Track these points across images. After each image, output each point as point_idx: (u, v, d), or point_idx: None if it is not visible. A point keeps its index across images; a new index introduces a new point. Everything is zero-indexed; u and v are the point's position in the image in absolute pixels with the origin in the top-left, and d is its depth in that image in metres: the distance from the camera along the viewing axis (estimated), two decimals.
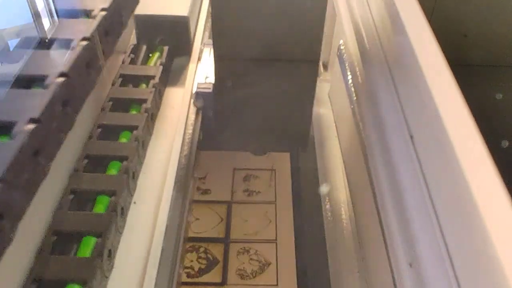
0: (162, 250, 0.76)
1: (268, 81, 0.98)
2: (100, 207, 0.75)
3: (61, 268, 0.65)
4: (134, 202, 0.83)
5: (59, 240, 0.70)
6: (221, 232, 1.02)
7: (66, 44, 0.72)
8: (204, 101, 1.06)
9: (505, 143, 1.16)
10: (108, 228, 0.71)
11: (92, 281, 0.65)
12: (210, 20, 1.23)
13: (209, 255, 0.97)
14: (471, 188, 0.42)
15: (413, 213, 0.59)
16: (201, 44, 1.20)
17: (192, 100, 1.05)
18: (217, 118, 1.06)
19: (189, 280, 0.93)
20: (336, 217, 1.08)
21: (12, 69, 0.67)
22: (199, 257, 0.97)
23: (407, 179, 0.62)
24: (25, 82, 0.65)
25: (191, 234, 1.01)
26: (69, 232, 0.71)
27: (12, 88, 0.63)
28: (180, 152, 0.92)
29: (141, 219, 0.81)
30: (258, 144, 1.13)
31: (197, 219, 1.04)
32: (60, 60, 0.69)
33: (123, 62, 1.05)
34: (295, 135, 1.10)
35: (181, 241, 0.85)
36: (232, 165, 1.16)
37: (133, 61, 1.06)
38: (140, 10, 1.10)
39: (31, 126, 0.55)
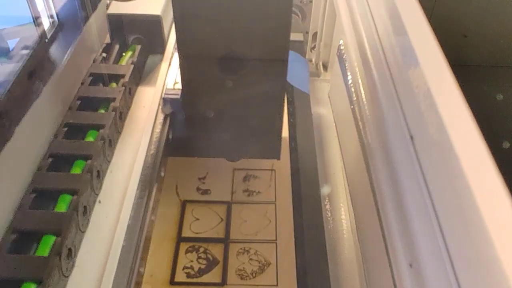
0: (122, 248, 0.76)
1: (237, 81, 0.96)
2: (61, 206, 0.74)
3: (17, 267, 0.65)
4: (99, 201, 0.83)
5: (19, 238, 0.69)
6: (221, 232, 1.02)
7: None
8: (172, 107, 1.03)
9: (506, 144, 1.16)
10: (68, 227, 0.70)
11: (49, 280, 0.64)
12: None
13: (209, 255, 0.97)
14: (471, 189, 0.42)
15: (413, 213, 0.59)
16: (175, 42, 1.20)
17: (160, 103, 1.03)
18: (186, 124, 1.03)
19: (189, 280, 0.93)
20: (336, 217, 1.08)
21: None
22: (199, 257, 0.97)
23: (407, 180, 0.62)
24: None
25: (191, 234, 1.01)
26: (29, 231, 0.70)
27: None
28: (147, 151, 0.92)
29: (105, 218, 0.81)
30: (231, 149, 1.11)
31: (197, 219, 1.03)
32: None
33: (94, 61, 1.04)
34: (268, 139, 1.08)
35: (143, 240, 0.85)
36: (232, 165, 1.16)
37: (105, 60, 1.06)
38: (113, 9, 1.10)
39: None
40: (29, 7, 0.86)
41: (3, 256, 0.66)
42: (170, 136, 1.04)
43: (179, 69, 0.96)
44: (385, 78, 0.75)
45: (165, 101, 1.02)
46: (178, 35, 0.89)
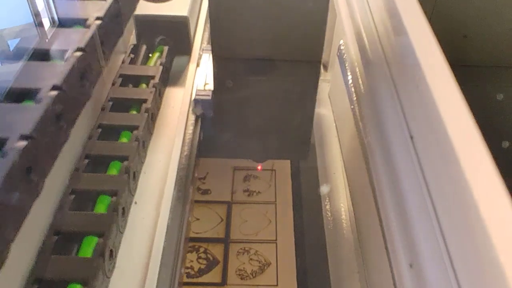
0: (164, 250, 0.76)
1: (269, 83, 0.97)
2: (101, 207, 0.74)
3: (62, 268, 0.65)
4: (135, 202, 0.83)
5: (60, 240, 0.70)
6: (221, 232, 1.02)
7: (60, 55, 0.72)
8: (203, 108, 1.04)
9: (505, 144, 1.16)
10: (109, 228, 0.71)
11: (94, 281, 0.64)
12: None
13: (209, 255, 0.97)
14: (471, 189, 0.42)
15: (413, 213, 0.59)
16: (201, 43, 1.20)
17: (191, 104, 1.04)
18: (216, 125, 1.04)
19: (189, 280, 0.93)
20: (336, 217, 1.08)
21: (3, 82, 0.66)
22: (199, 257, 0.97)
23: (407, 179, 0.62)
24: (17, 95, 0.64)
25: (191, 234, 1.01)
26: (70, 232, 0.70)
27: (3, 103, 0.63)
28: (181, 153, 0.92)
29: (142, 219, 0.81)
30: (259, 150, 1.11)
31: (197, 219, 1.03)
32: (53, 72, 0.68)
33: (123, 62, 1.05)
34: (296, 143, 1.08)
35: (182, 241, 0.85)
36: (232, 165, 1.16)
37: (133, 61, 1.06)
38: (139, 10, 1.10)
39: (23, 143, 0.55)
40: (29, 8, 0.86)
41: (47, 258, 0.66)
42: (201, 138, 1.05)
43: (209, 70, 0.96)
44: (385, 78, 0.75)
45: (196, 102, 1.03)
46: (213, 36, 0.90)
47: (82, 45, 0.73)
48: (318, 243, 1.00)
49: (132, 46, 1.10)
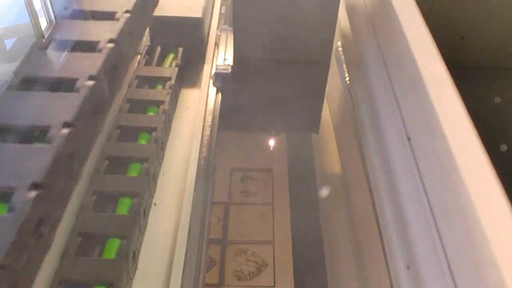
0: (186, 251, 0.76)
1: (282, 78, 1.06)
2: (122, 209, 0.74)
3: (87, 270, 0.65)
4: (155, 204, 0.82)
5: (84, 241, 0.69)
6: (218, 233, 1.02)
7: (92, 46, 0.72)
8: (222, 81, 1.09)
9: (503, 147, 1.16)
10: (132, 230, 0.70)
11: (119, 283, 0.64)
12: (222, 21, 1.28)
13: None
14: (469, 191, 0.42)
15: (410, 214, 0.59)
16: (214, 45, 1.21)
17: (209, 95, 1.06)
18: (234, 97, 1.11)
19: None
20: (334, 218, 1.08)
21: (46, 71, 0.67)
22: None
23: (405, 180, 0.62)
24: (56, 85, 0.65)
25: (210, 236, 1.01)
26: (93, 234, 0.70)
27: (44, 91, 0.63)
28: (199, 154, 0.92)
29: (162, 220, 0.80)
30: (273, 125, 1.15)
31: None
32: (89, 63, 0.69)
33: (138, 64, 1.05)
34: (307, 118, 1.15)
35: (204, 243, 0.85)
36: (229, 166, 1.16)
37: (148, 63, 1.06)
38: (154, 11, 1.11)
39: (66, 131, 0.55)
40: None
41: (72, 259, 0.66)
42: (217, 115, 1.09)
43: (231, 64, 1.06)
44: (382, 79, 0.76)
45: (217, 75, 1.09)
46: (236, 39, 1.02)
47: (114, 36, 0.73)
48: (315, 244, 1.00)
49: (146, 48, 1.10)
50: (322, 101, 1.06)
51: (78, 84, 0.64)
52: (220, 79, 1.08)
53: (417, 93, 0.59)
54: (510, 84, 1.19)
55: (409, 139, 0.62)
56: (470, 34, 1.18)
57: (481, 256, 0.40)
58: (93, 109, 0.64)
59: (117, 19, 0.78)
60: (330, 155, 1.23)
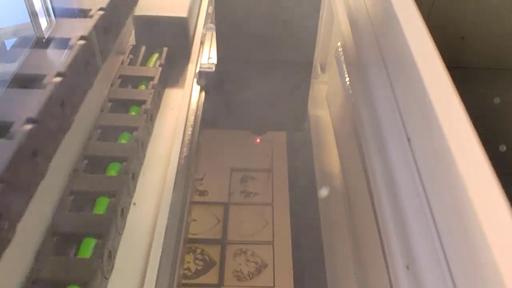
0: (162, 251, 0.76)
1: (266, 77, 1.04)
2: (100, 208, 0.74)
3: (61, 269, 0.65)
4: (134, 203, 0.83)
5: (59, 241, 0.69)
6: (218, 233, 1.02)
7: (64, 43, 0.72)
8: (206, 80, 1.10)
9: (503, 147, 1.16)
10: (108, 229, 0.71)
11: (93, 282, 0.64)
12: (209, 20, 1.27)
13: (206, 257, 0.97)
14: (468, 192, 0.42)
15: (410, 215, 0.59)
16: (200, 44, 1.20)
17: (192, 94, 1.06)
18: (217, 97, 1.11)
19: (186, 281, 0.93)
20: (333, 218, 1.08)
21: (9, 68, 0.66)
22: (196, 258, 0.97)
23: (404, 181, 0.62)
24: (22, 81, 0.64)
25: (188, 235, 1.01)
26: (69, 233, 0.70)
27: (9, 88, 0.63)
28: (180, 153, 0.92)
29: (141, 220, 0.80)
30: (257, 123, 1.15)
31: (194, 220, 1.03)
32: (58, 59, 0.68)
33: (122, 63, 1.05)
34: (292, 116, 1.14)
35: (181, 243, 0.85)
36: (229, 166, 1.16)
37: (132, 62, 1.06)
38: (139, 11, 1.10)
39: (29, 126, 0.55)
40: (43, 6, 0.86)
41: (45, 259, 0.66)
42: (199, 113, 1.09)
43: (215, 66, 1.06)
44: (382, 80, 0.76)
45: (201, 73, 1.09)
46: (219, 39, 1.00)
47: (85, 33, 0.73)
48: (315, 244, 1.00)
49: (131, 47, 1.10)
50: (307, 99, 1.06)
51: (46, 80, 0.63)
52: (204, 77, 1.09)
53: (416, 93, 0.59)
54: (510, 84, 1.19)
55: (408, 139, 0.62)
56: (470, 35, 1.18)
57: (481, 257, 0.40)
58: (61, 105, 0.63)
59: (91, 17, 0.78)
60: (330, 156, 1.23)
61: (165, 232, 0.78)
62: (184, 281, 0.93)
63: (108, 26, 0.81)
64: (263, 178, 1.14)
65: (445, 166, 0.48)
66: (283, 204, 1.07)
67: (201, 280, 0.93)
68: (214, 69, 1.10)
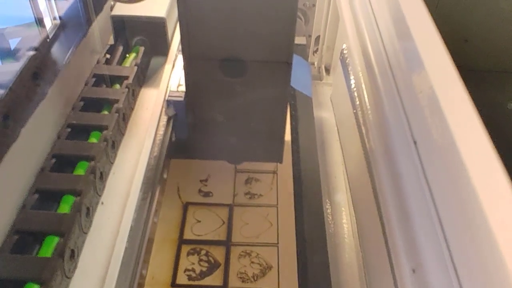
0: (125, 250, 0.76)
1: (240, 84, 0.94)
2: (64, 207, 0.74)
3: (19, 268, 0.65)
4: (102, 203, 0.83)
5: (21, 239, 0.69)
6: (222, 235, 1.01)
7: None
8: (175, 109, 1.03)
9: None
10: (71, 228, 0.70)
11: (51, 281, 0.64)
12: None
13: (210, 258, 0.97)
14: (479, 196, 0.42)
15: (416, 218, 0.59)
16: (178, 44, 1.20)
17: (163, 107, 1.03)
18: (189, 126, 1.02)
19: (191, 283, 0.93)
20: (338, 221, 1.08)
21: None
22: (201, 260, 0.96)
23: (410, 184, 0.62)
24: None
25: (192, 237, 1.01)
26: (31, 232, 0.70)
27: None
28: (150, 154, 0.92)
29: (107, 219, 0.81)
30: (233, 152, 1.10)
31: (199, 221, 1.03)
32: None
33: (98, 62, 1.05)
34: (270, 142, 1.06)
35: (145, 242, 0.85)
36: (233, 168, 1.16)
37: (108, 62, 1.06)
38: (117, 10, 1.10)
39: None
40: (32, 8, 0.86)
41: (6, 257, 0.66)
42: (173, 138, 1.04)
43: (183, 71, 0.95)
44: (388, 82, 0.75)
45: (169, 103, 1.02)
46: (183, 37, 0.89)
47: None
48: (320, 247, 0.99)
49: (108, 46, 1.10)
50: (286, 102, 1.00)
51: None
52: (172, 107, 1.03)
53: (424, 95, 0.59)
54: None
55: (415, 142, 0.62)
56: (474, 37, 1.18)
57: (490, 261, 0.40)
58: None
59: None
60: (335, 158, 1.23)
61: (129, 232, 0.78)
62: (188, 283, 0.92)
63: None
64: (268, 179, 1.13)
65: (454, 169, 0.48)
66: (288, 206, 1.07)
67: (206, 281, 0.93)
68: (183, 97, 1.02)
